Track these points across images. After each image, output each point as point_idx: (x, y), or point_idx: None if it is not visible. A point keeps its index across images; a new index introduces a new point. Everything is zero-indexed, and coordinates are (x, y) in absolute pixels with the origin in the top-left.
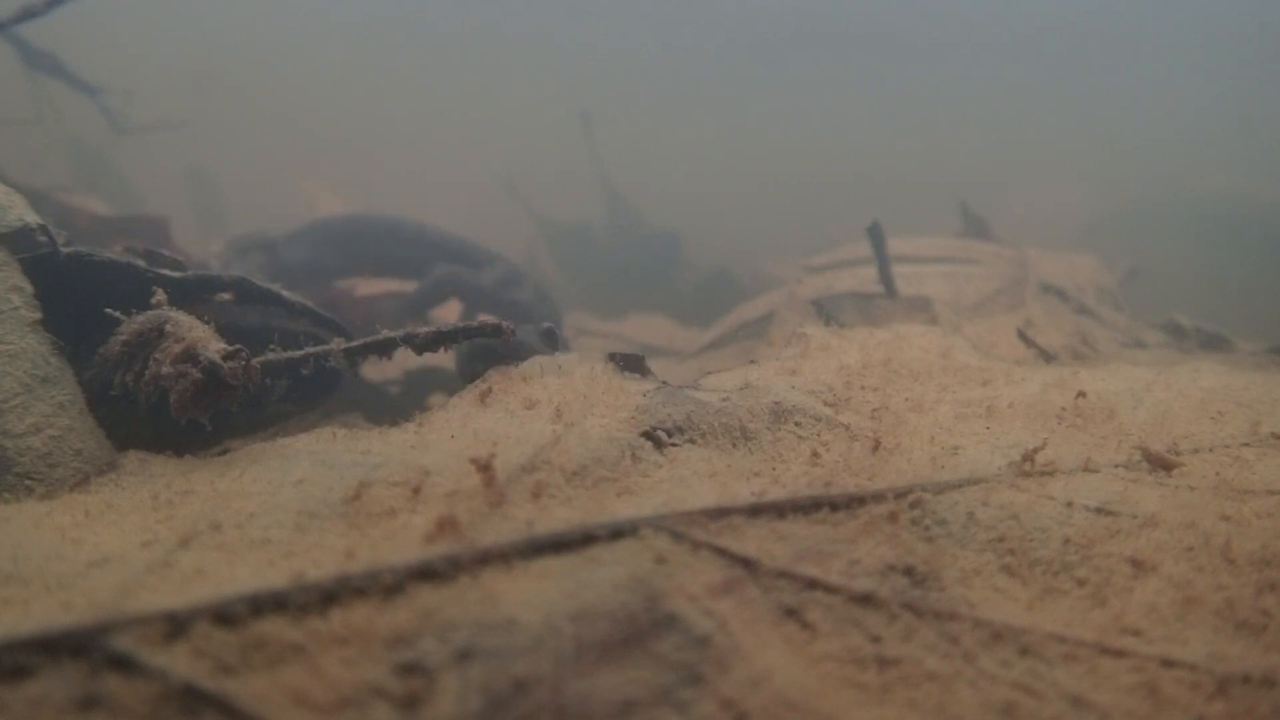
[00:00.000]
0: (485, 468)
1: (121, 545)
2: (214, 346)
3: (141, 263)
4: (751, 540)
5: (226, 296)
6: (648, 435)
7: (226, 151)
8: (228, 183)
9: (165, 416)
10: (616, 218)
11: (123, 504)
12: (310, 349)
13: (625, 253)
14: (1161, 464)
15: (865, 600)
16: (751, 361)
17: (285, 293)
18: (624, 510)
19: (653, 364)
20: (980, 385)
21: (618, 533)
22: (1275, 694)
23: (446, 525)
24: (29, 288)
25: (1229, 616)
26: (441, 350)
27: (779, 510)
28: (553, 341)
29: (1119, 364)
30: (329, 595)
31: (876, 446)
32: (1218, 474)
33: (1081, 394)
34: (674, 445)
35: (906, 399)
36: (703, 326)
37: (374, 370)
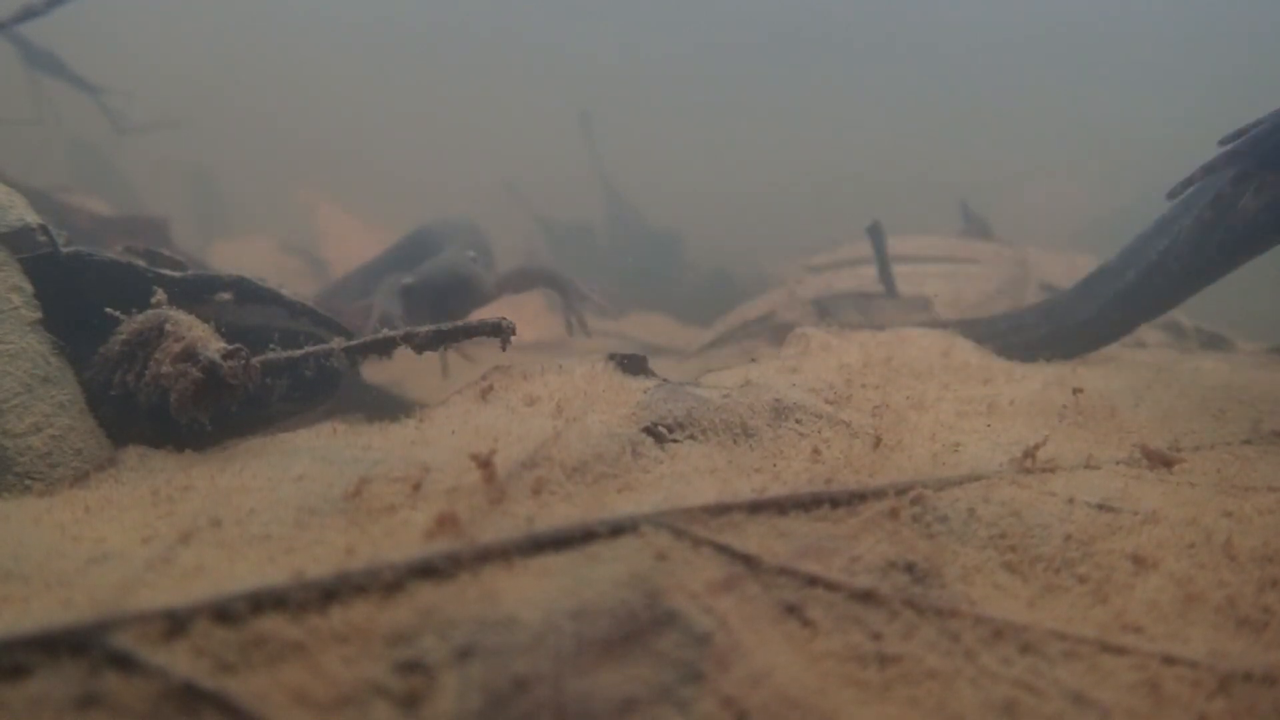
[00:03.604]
0: (485, 464)
1: (121, 542)
2: (214, 346)
3: (141, 263)
4: (752, 537)
5: (226, 296)
6: (649, 431)
7: (227, 152)
8: (228, 184)
9: (165, 416)
10: (617, 218)
11: (123, 500)
12: (310, 348)
13: (625, 253)
14: (1162, 461)
15: (866, 597)
16: (752, 360)
17: (285, 292)
18: (624, 507)
19: (653, 363)
20: (981, 383)
21: (618, 529)
22: (1277, 691)
23: (447, 522)
24: (29, 288)
25: (1230, 613)
26: (441, 350)
27: (780, 507)
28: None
29: (1119, 362)
30: (329, 592)
31: (878, 443)
32: (1219, 471)
33: (1079, 390)
34: (675, 441)
35: (907, 397)
36: (703, 326)
37: (375, 370)
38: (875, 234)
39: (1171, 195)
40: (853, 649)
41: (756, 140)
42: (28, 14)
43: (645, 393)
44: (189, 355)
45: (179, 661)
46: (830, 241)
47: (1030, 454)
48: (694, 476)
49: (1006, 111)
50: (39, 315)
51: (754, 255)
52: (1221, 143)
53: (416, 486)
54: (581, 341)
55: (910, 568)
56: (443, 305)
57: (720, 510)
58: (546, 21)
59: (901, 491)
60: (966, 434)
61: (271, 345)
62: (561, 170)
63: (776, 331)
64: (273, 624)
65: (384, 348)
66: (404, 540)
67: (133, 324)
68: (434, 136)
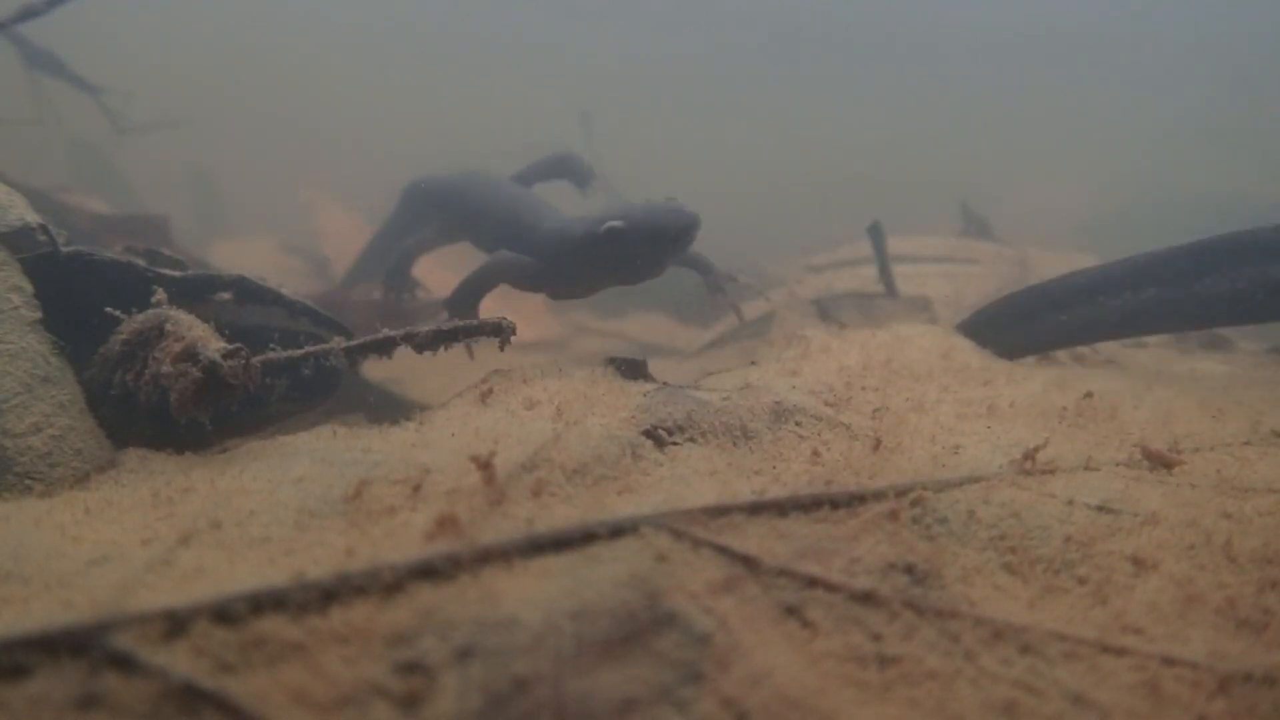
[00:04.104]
0: (485, 465)
1: (121, 543)
2: (214, 345)
3: (141, 262)
4: (752, 538)
5: (226, 296)
6: (648, 434)
7: (227, 152)
8: (228, 183)
9: (165, 416)
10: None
11: (123, 501)
12: (310, 348)
13: None
14: (1162, 462)
15: (866, 598)
16: (752, 362)
17: (285, 292)
18: (624, 508)
19: (653, 364)
20: (981, 385)
21: (618, 531)
22: (1276, 692)
23: (447, 523)
24: (29, 287)
25: (1230, 615)
26: (443, 349)
27: (780, 508)
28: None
29: (1119, 364)
30: (329, 593)
31: (877, 445)
32: (1219, 472)
33: (1089, 394)
34: (674, 444)
35: (907, 399)
36: (703, 326)
37: (375, 369)
38: (875, 234)
39: None
40: (853, 650)
41: (757, 140)
42: (28, 14)
43: (645, 395)
44: (189, 355)
45: (179, 662)
46: (830, 241)
47: (1030, 456)
48: (694, 478)
49: (1007, 112)
50: (39, 315)
51: (754, 255)
52: None
53: (416, 488)
54: (581, 342)
55: (910, 569)
56: (664, 252)
57: (720, 512)
58: (548, 22)
59: (901, 493)
60: (966, 436)
61: (271, 345)
62: None
63: (776, 332)
64: (273, 625)
65: (384, 347)
66: (404, 542)
67: (133, 324)
68: (435, 135)
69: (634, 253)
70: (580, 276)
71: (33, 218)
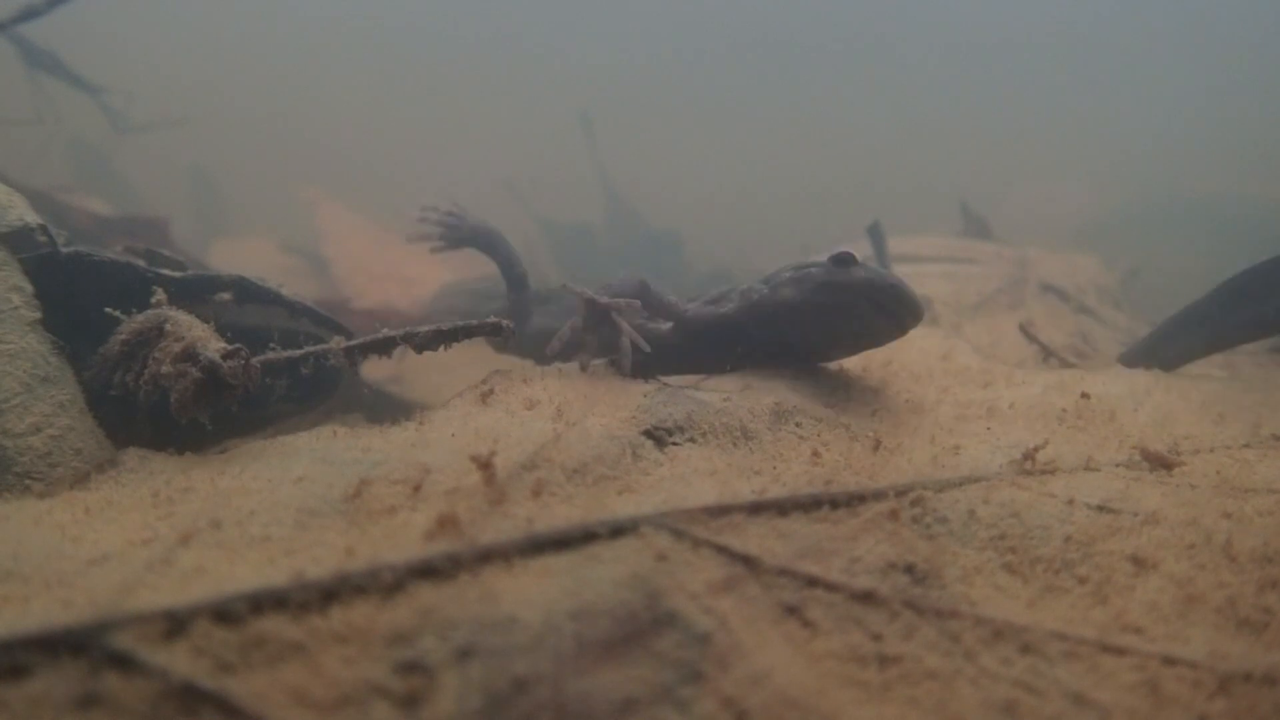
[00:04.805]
0: (486, 465)
1: (121, 543)
2: (214, 346)
3: (141, 263)
4: (752, 538)
5: (226, 296)
6: (649, 434)
7: (226, 152)
8: (228, 183)
9: (165, 416)
10: (616, 219)
11: (123, 501)
12: (310, 348)
13: (625, 253)
14: (1161, 463)
15: (866, 598)
16: None
17: (285, 292)
18: (624, 508)
19: None
20: (981, 387)
21: (618, 530)
22: (1276, 692)
23: (447, 523)
24: (29, 287)
25: (1230, 614)
26: (441, 349)
27: (780, 508)
28: None
29: (1119, 367)
30: (329, 593)
31: (877, 446)
32: (1219, 473)
33: (1086, 395)
34: (675, 444)
35: (907, 400)
36: None
37: (375, 369)
38: (875, 233)
39: None
40: (853, 649)
41: (759, 143)
42: (28, 14)
43: (645, 396)
44: (189, 355)
45: (179, 661)
46: (831, 241)
47: (1030, 455)
48: (694, 478)
49: (1007, 112)
50: (39, 315)
51: (754, 256)
52: None
53: (417, 488)
54: None
55: (910, 569)
56: (883, 323)
57: (720, 511)
58: (549, 24)
59: (901, 493)
60: (966, 436)
61: (271, 345)
62: (562, 171)
63: None
64: (273, 624)
65: (384, 347)
66: (404, 541)
67: (133, 324)
68: (435, 136)
69: (853, 312)
70: (758, 333)
71: (33, 218)
